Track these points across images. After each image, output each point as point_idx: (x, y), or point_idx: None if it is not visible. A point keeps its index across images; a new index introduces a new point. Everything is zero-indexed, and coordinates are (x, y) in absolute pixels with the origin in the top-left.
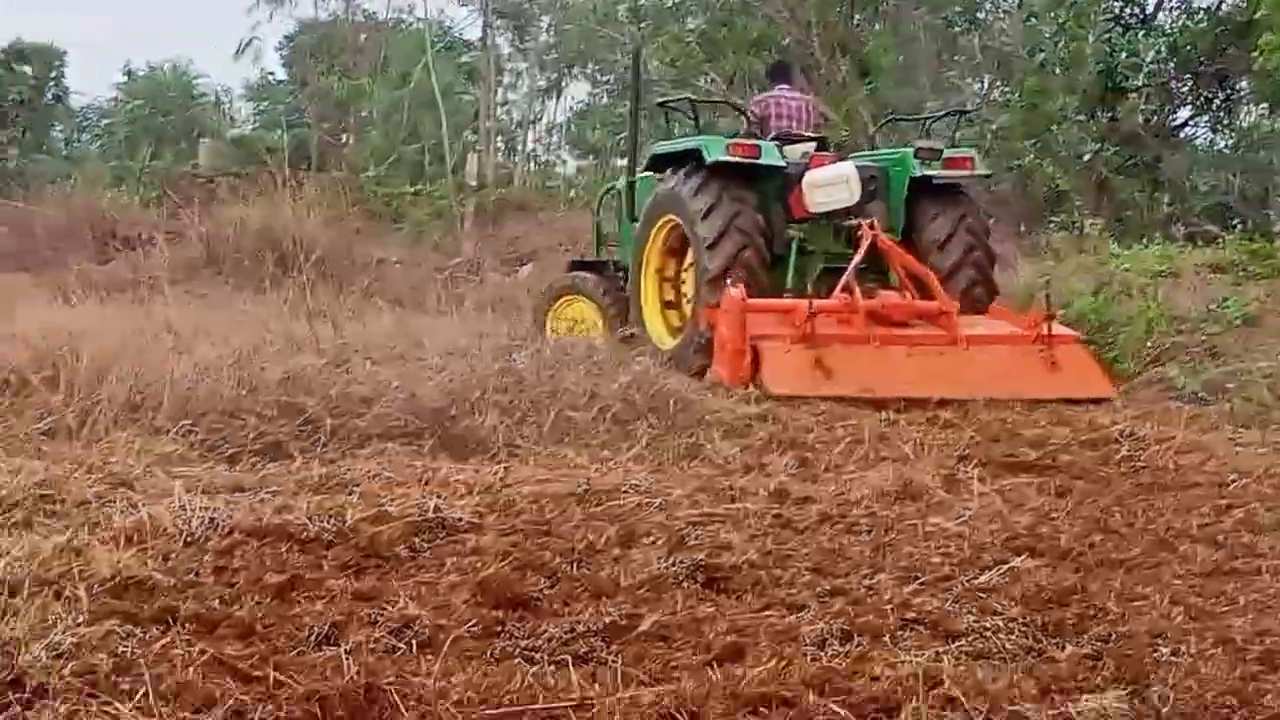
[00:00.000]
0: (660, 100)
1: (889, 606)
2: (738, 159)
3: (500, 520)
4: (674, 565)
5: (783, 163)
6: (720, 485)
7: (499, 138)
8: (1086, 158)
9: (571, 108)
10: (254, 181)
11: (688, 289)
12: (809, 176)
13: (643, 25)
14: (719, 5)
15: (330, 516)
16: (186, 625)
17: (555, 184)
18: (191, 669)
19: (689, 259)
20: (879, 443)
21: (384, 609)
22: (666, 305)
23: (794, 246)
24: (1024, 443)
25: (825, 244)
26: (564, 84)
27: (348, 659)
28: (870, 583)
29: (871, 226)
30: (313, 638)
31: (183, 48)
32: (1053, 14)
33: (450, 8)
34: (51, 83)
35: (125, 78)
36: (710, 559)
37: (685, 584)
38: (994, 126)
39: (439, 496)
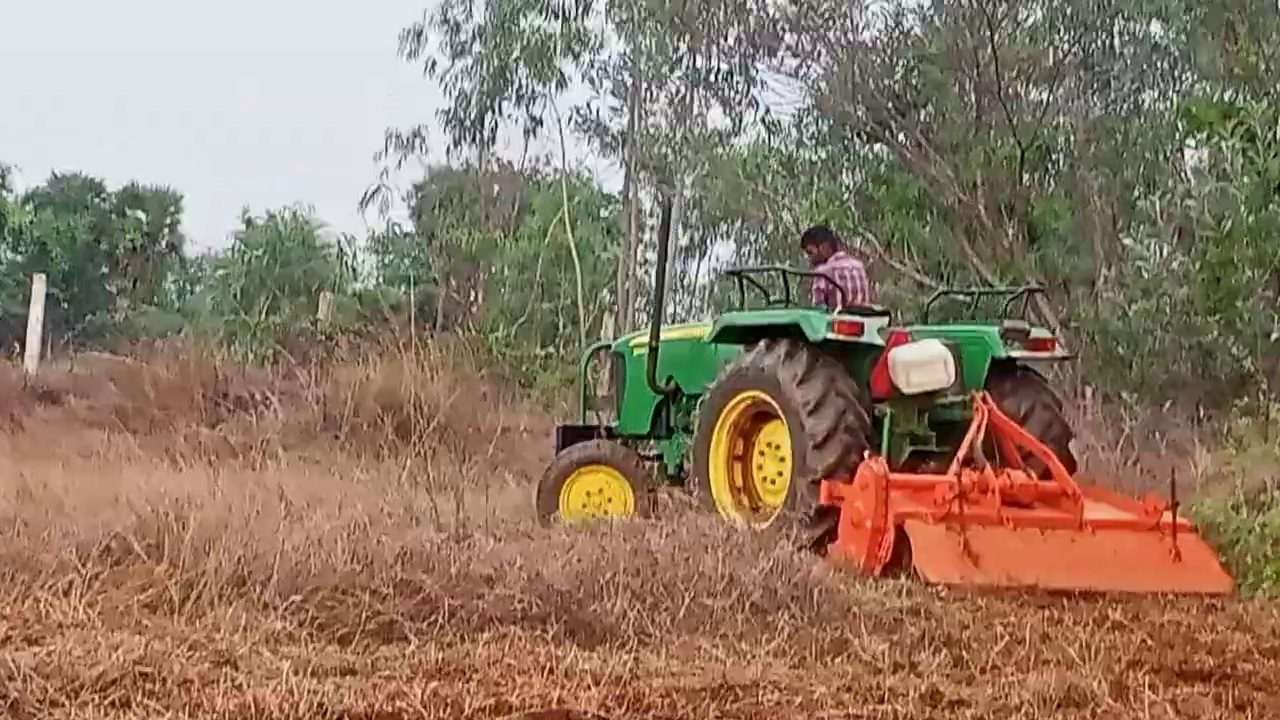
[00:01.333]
0: (730, 270)
1: None
2: (842, 338)
3: (629, 715)
4: None
5: (881, 342)
6: (868, 684)
7: (639, 299)
8: (1275, 337)
9: (715, 269)
10: (376, 340)
11: (768, 469)
12: (902, 355)
13: (795, 182)
14: (877, 162)
15: (447, 705)
16: None
17: None
18: None
19: (766, 436)
20: (1041, 643)
21: None
22: (734, 484)
23: (886, 428)
24: (1200, 648)
25: (909, 425)
26: (709, 243)
27: None
28: None
29: (985, 400)
30: None
31: (305, 194)
32: (1245, 178)
33: (591, 159)
34: (166, 230)
35: (244, 226)
36: None
37: None
38: (1170, 300)
39: (563, 687)
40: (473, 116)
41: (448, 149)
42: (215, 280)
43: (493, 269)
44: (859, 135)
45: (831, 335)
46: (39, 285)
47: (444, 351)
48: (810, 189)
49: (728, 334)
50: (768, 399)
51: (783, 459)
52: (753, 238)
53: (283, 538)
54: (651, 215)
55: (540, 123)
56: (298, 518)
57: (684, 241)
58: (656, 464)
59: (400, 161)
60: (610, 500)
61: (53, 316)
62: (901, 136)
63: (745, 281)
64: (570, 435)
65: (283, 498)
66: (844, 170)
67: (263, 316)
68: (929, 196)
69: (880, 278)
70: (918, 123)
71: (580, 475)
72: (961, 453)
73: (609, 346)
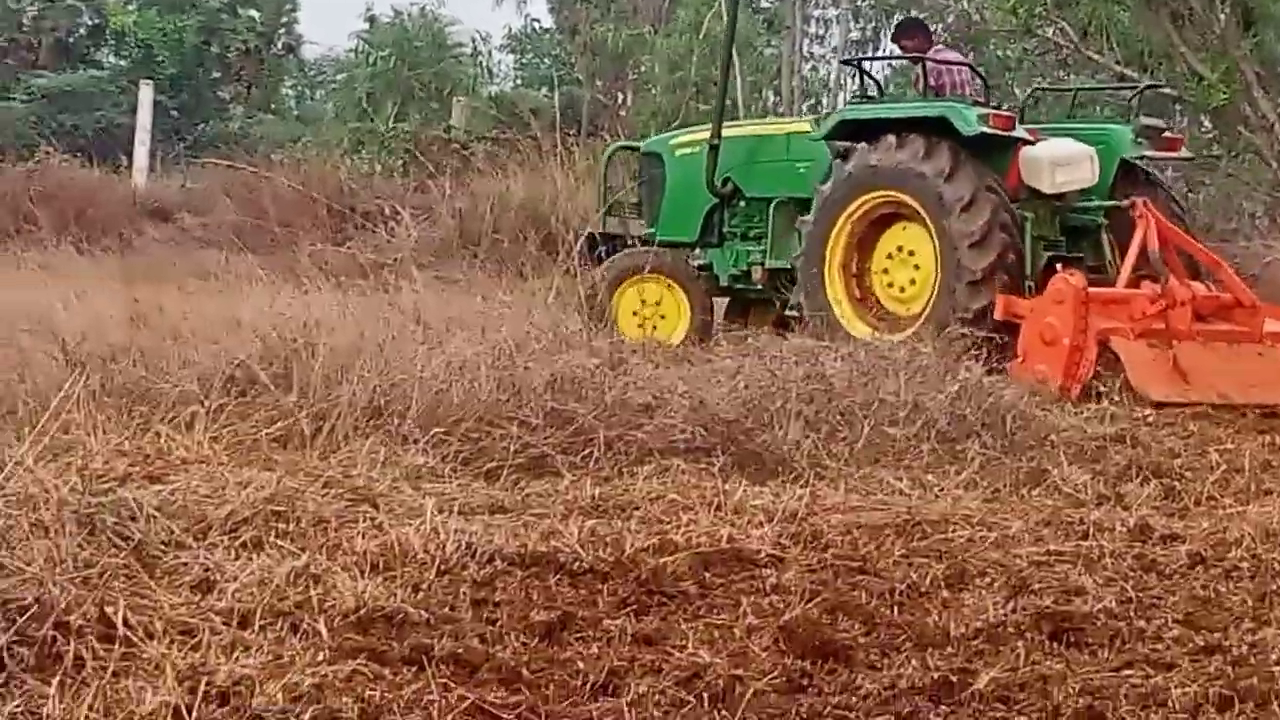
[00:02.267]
0: (846, 59)
1: (1277, 667)
2: (997, 132)
3: (806, 554)
4: (1014, 612)
5: (1031, 138)
6: (1069, 518)
7: (804, 99)
8: None
9: (890, 65)
10: (516, 148)
11: (897, 276)
12: (1044, 153)
13: None
14: None
15: (606, 545)
16: (442, 666)
17: None
18: (450, 717)
19: (891, 241)
20: (1261, 472)
21: (669, 655)
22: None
23: (1027, 231)
24: None
25: (1044, 229)
26: (882, 35)
27: (629, 712)
28: (1253, 638)
29: (1147, 206)
30: (588, 686)
31: None
32: None
33: None
34: (281, 31)
35: (367, 25)
36: (1058, 605)
37: (1028, 635)
38: None
39: (733, 524)
40: None
41: None
42: (337, 84)
43: (642, 67)
44: None
45: (987, 129)
46: (146, 93)
47: (592, 159)
48: None
49: (844, 129)
50: (905, 198)
51: (917, 265)
52: (934, 29)
53: (421, 365)
54: (818, 5)
55: None
56: (436, 343)
57: (855, 35)
58: (704, 275)
59: None
60: (664, 316)
61: (161, 127)
62: None
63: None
64: (600, 242)
65: (419, 321)
66: None
67: (391, 124)
68: None
69: (1076, 70)
70: None
71: (631, 285)
72: (1129, 263)
73: (635, 148)
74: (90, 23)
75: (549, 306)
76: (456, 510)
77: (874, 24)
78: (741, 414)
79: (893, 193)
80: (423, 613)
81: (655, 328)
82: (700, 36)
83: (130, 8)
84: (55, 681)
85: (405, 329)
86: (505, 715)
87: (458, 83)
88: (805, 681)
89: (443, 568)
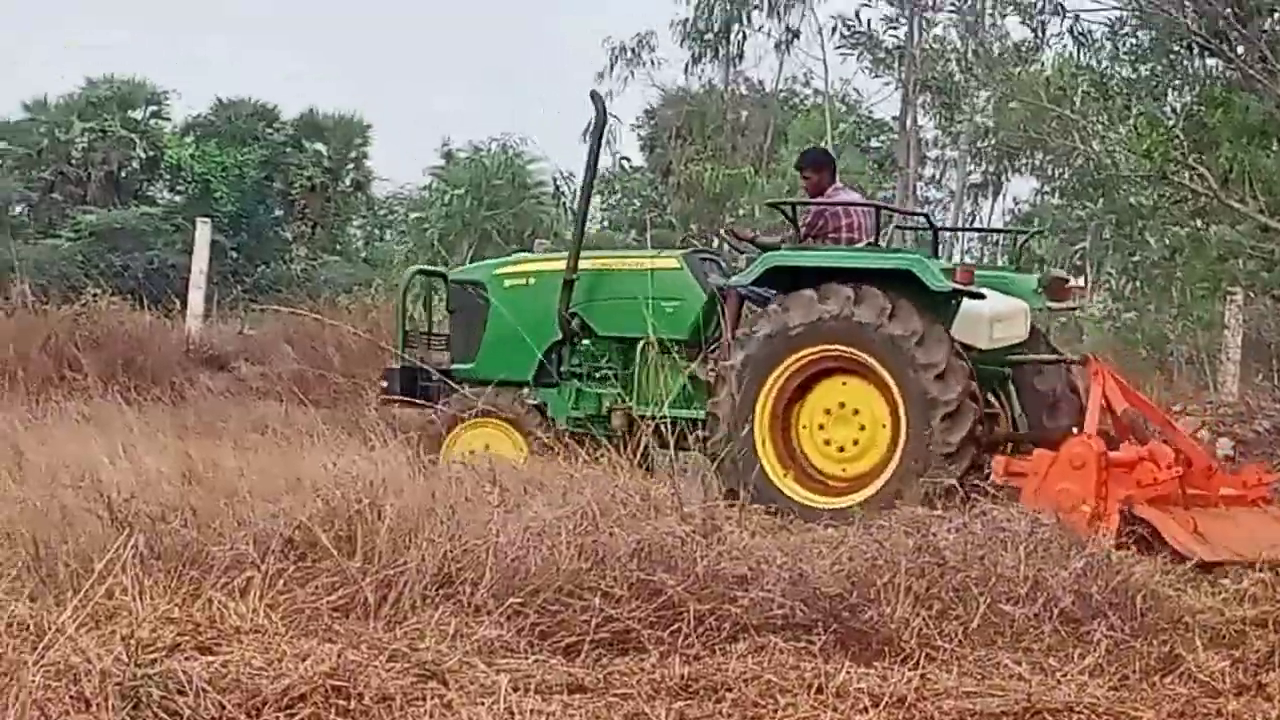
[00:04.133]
0: (770, 202)
1: None
2: (960, 288)
3: None
4: None
5: (984, 292)
6: (1205, 709)
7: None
8: None
9: (1014, 210)
10: None
11: (836, 434)
12: (986, 309)
13: (1109, 105)
14: (1211, 79)
15: None
16: None
17: None
18: None
19: (826, 398)
20: None
21: None
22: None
23: None
24: None
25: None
26: (1004, 179)
27: None
28: None
29: (1098, 360)
30: None
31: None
32: None
33: (860, 78)
34: (350, 166)
35: (442, 162)
36: None
37: None
38: None
39: (835, 709)
40: (716, 28)
41: (686, 66)
42: (409, 225)
43: (741, 210)
44: (1189, 48)
45: (953, 285)
46: (203, 231)
47: None
48: (1127, 113)
49: (774, 274)
50: (862, 356)
51: (863, 426)
52: (1056, 171)
53: (496, 529)
54: (935, 145)
55: (797, 35)
56: (513, 506)
57: (976, 178)
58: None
59: (627, 80)
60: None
61: (218, 268)
62: (1241, 49)
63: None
64: (406, 378)
65: (495, 482)
66: (1169, 90)
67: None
68: (1277, 120)
69: (1215, 218)
70: (1263, 32)
71: (465, 430)
72: (1092, 420)
73: (439, 273)
74: (144, 155)
75: (636, 468)
76: (532, 688)
77: (995, 165)
78: (845, 588)
79: (847, 349)
80: None
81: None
82: None
83: (187, 140)
84: None
85: (480, 490)
86: None
87: (538, 224)
88: None
89: None
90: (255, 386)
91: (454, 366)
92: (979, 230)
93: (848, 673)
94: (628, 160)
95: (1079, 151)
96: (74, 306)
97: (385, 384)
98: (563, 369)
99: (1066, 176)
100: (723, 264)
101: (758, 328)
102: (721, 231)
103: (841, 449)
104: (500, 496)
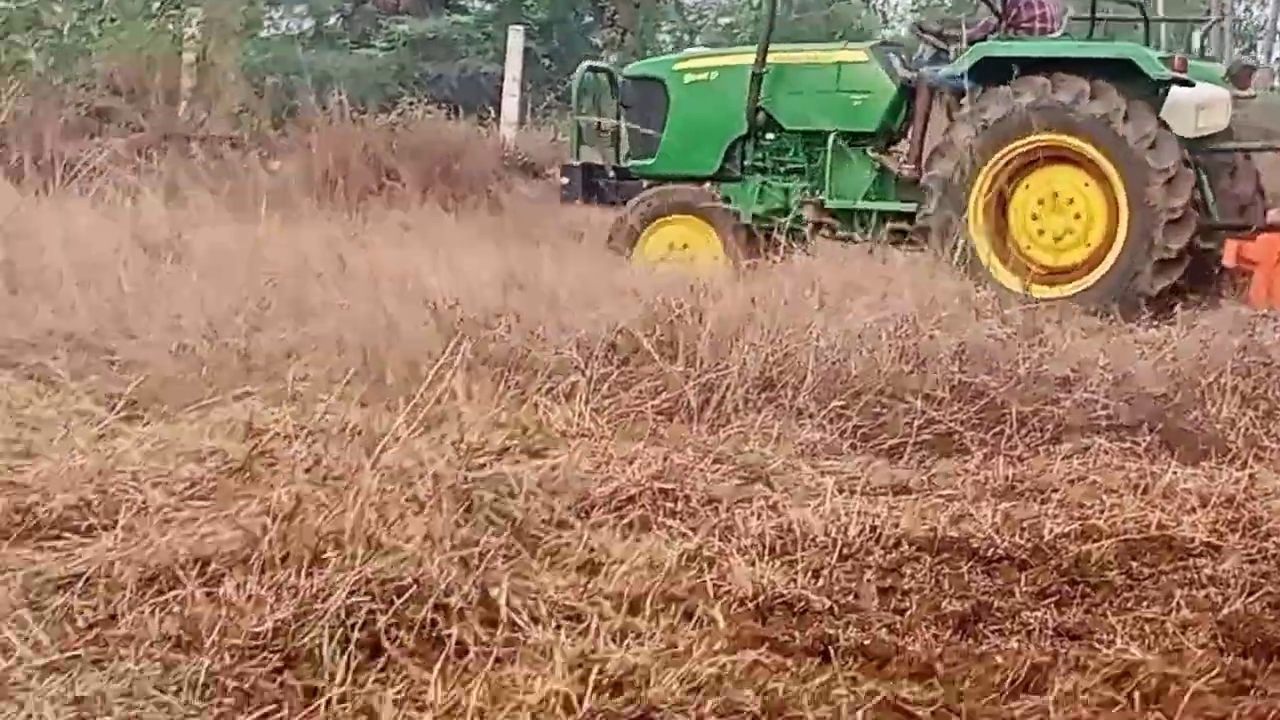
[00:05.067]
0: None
1: None
2: (1176, 76)
3: (1244, 543)
4: None
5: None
6: None
7: (1238, 43)
8: None
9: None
10: None
11: (1050, 223)
12: (1191, 96)
13: None
14: None
15: (1022, 530)
16: (848, 659)
17: None
18: (860, 713)
19: (1043, 186)
20: None
21: (1095, 650)
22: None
23: None
24: None
25: None
26: None
27: (1054, 710)
28: None
29: None
30: (1007, 682)
31: None
32: None
33: None
34: None
35: None
36: None
37: None
38: None
39: (1162, 509)
40: None
41: None
42: (718, 30)
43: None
44: None
45: (1172, 73)
46: (515, 39)
47: None
48: None
49: (986, 66)
50: (1075, 142)
51: (1078, 215)
52: None
53: (816, 333)
54: None
55: None
56: (834, 310)
57: None
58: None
59: None
60: (694, 258)
61: (531, 75)
62: None
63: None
64: (586, 176)
65: (814, 286)
66: None
67: None
68: None
69: None
70: None
71: (660, 226)
72: None
73: (607, 70)
74: None
75: (956, 269)
76: (858, 490)
77: None
78: (1170, 389)
79: (1060, 137)
80: (825, 600)
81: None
82: None
83: None
84: (436, 668)
85: (799, 294)
86: (919, 712)
87: (848, 27)
88: (1248, 682)
89: (845, 552)
90: None
91: (631, 163)
92: (1150, 20)
93: (1174, 473)
94: None
95: None
96: (390, 116)
97: (565, 182)
98: (746, 163)
99: None
100: (905, 57)
101: (978, 116)
102: (909, 26)
103: (1057, 237)
104: (820, 300)
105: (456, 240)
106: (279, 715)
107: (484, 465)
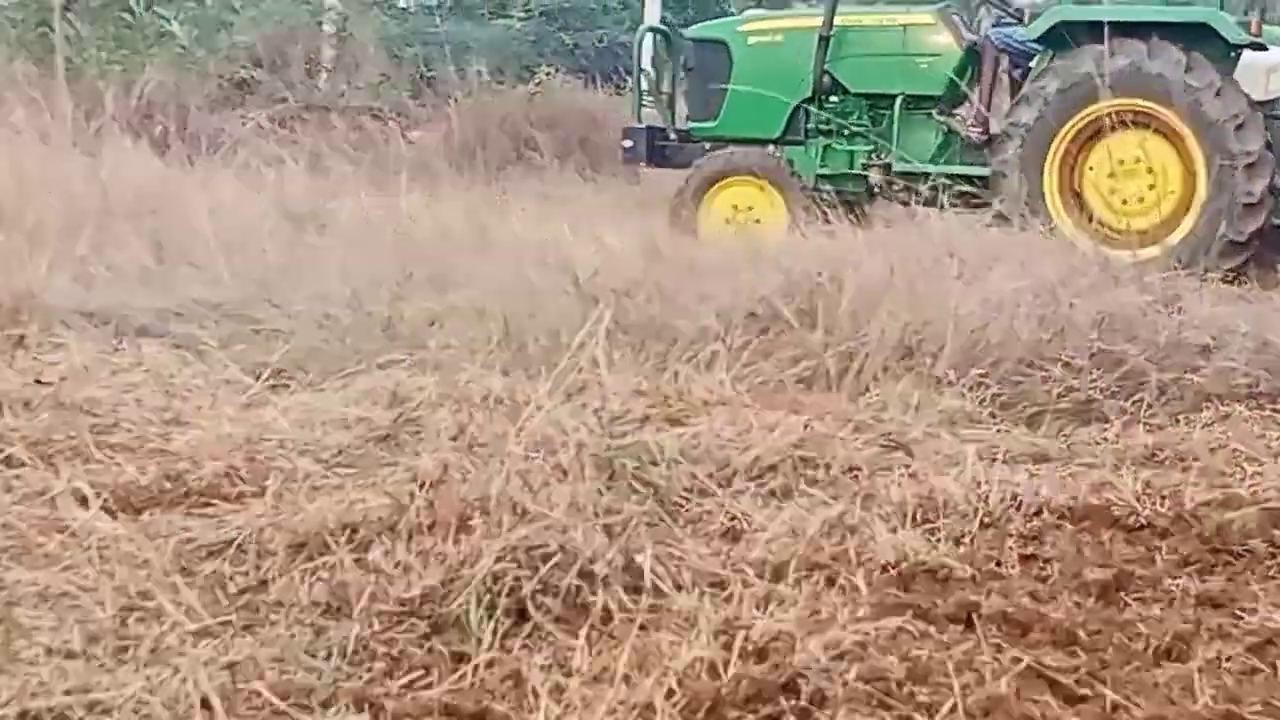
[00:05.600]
0: None
1: None
2: (1253, 40)
3: None
4: None
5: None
6: None
7: None
8: None
9: None
10: None
11: (1125, 187)
12: (1263, 59)
13: None
14: None
15: (1163, 498)
16: (991, 626)
17: None
18: (1003, 680)
19: (1119, 149)
20: None
21: (1239, 618)
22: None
23: None
24: None
25: None
26: None
27: (1199, 678)
28: None
29: None
30: (1150, 650)
31: None
32: None
33: None
34: None
35: None
36: None
37: None
38: None
39: None
40: None
41: None
42: None
43: None
44: None
45: (1249, 37)
46: (652, 7)
47: None
48: None
49: (1061, 29)
50: (1158, 109)
51: (1152, 185)
52: None
53: (955, 302)
54: None
55: None
56: (972, 278)
57: None
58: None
59: None
60: (759, 221)
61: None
62: None
63: None
64: (649, 138)
65: (952, 254)
66: None
67: None
68: None
69: None
70: None
71: (723, 189)
72: None
73: (665, 31)
74: None
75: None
76: (998, 459)
77: None
78: None
79: (1142, 102)
80: (967, 568)
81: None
82: None
83: None
84: (582, 633)
85: (938, 263)
86: (1062, 679)
87: None
88: None
89: (986, 520)
90: None
91: (693, 125)
92: None
93: None
94: None
95: None
96: (528, 85)
97: (628, 144)
98: (810, 126)
99: None
100: (968, 20)
101: (1048, 81)
102: None
103: (1126, 202)
104: (959, 268)
105: (596, 209)
106: (427, 680)
107: (626, 434)
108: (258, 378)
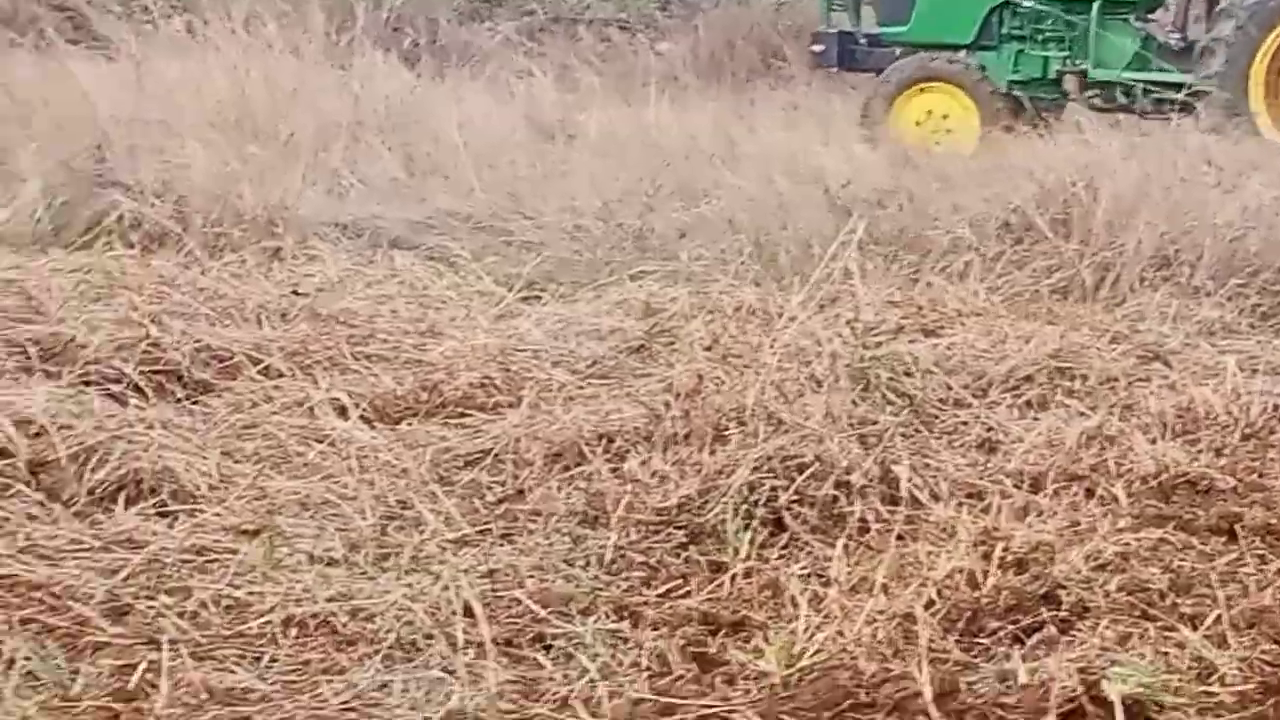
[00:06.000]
0: None
1: None
2: None
3: None
4: None
5: None
6: None
7: None
8: None
9: None
10: None
11: None
12: None
13: None
14: None
15: None
16: (1254, 538)
17: None
18: (1268, 592)
19: None
20: None
21: None
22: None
23: None
24: None
25: None
26: None
27: None
28: None
29: None
30: None
31: None
32: None
33: None
34: None
35: None
36: None
37: None
38: None
39: None
40: None
41: None
42: None
43: None
44: None
45: None
46: None
47: None
48: None
49: None
50: None
51: None
52: None
53: (1214, 211)
54: None
55: None
56: (1230, 187)
57: None
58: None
59: None
60: (950, 129)
61: None
62: None
63: None
64: (840, 43)
65: (1210, 163)
66: None
67: None
68: None
69: None
70: None
71: (914, 95)
72: None
73: None
74: None
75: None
76: (1259, 369)
77: None
78: None
79: None
80: (1229, 479)
81: (938, 142)
82: None
83: None
84: (839, 544)
85: (1194, 171)
86: None
87: None
88: None
89: (1248, 431)
90: None
91: (884, 30)
92: None
93: None
94: None
95: None
96: None
97: (818, 49)
98: (1003, 31)
99: None
100: None
101: None
102: None
103: None
104: (1217, 177)
105: (845, 119)
106: (684, 589)
107: (879, 344)
108: (510, 289)
